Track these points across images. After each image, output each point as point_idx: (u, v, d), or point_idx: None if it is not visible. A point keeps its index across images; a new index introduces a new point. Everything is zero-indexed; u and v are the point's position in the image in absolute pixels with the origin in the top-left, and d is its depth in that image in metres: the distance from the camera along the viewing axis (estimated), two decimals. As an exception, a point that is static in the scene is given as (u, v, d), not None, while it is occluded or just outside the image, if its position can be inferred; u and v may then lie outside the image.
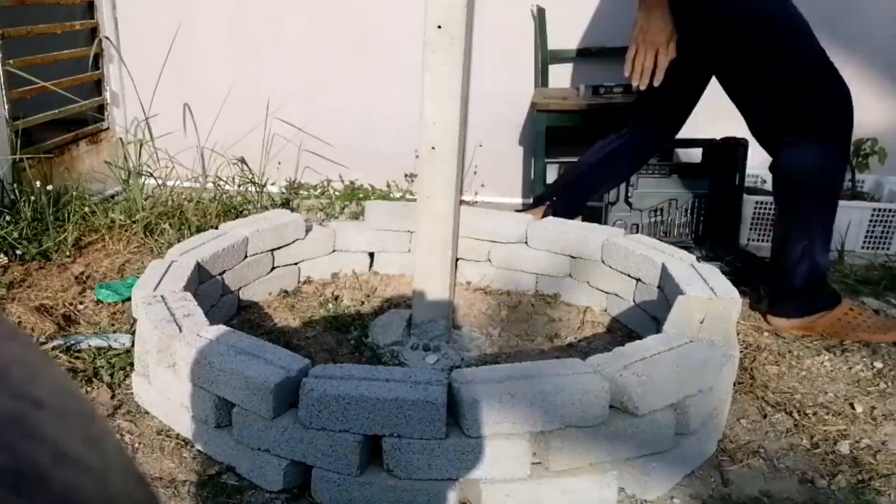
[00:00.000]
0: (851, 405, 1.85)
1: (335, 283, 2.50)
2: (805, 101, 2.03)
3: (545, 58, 3.25)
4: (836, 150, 2.09)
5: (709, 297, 1.78)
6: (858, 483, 1.57)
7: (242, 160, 3.40)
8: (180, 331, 1.64)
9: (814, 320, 2.16)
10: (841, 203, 2.90)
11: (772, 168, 2.19)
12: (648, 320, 2.10)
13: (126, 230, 2.89)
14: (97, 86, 3.51)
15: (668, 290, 1.98)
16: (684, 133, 3.18)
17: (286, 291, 2.42)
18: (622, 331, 2.19)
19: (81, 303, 2.36)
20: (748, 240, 2.95)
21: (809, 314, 2.16)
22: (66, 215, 2.87)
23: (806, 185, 2.10)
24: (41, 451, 0.21)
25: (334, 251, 2.52)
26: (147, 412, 1.79)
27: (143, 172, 3.32)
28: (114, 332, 2.14)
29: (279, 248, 2.37)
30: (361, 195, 3.42)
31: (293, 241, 2.39)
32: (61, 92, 3.11)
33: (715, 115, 3.19)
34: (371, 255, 2.55)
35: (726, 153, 2.81)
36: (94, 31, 3.44)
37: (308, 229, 2.43)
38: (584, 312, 2.30)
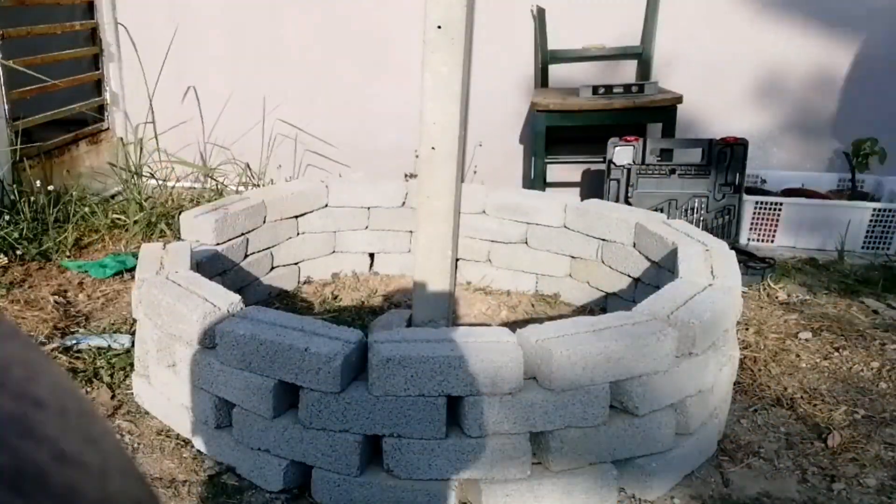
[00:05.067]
0: (852, 405, 1.85)
1: (335, 283, 2.50)
2: None
3: (545, 58, 3.25)
4: None
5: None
6: (859, 483, 1.57)
7: (247, 165, 3.40)
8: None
9: None
10: (841, 203, 2.92)
11: None
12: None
13: (126, 230, 2.89)
14: (97, 86, 3.51)
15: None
16: (684, 132, 3.19)
17: (286, 291, 2.42)
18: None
19: (81, 303, 2.36)
20: (748, 239, 2.95)
21: None
22: (66, 215, 2.87)
23: None
24: (41, 450, 0.21)
25: (334, 251, 2.52)
26: (147, 412, 1.79)
27: (143, 173, 3.32)
28: (114, 332, 2.14)
29: (275, 245, 2.37)
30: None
31: (287, 239, 2.40)
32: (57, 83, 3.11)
33: (715, 115, 3.19)
34: (371, 255, 2.55)
35: (726, 153, 2.81)
36: (94, 32, 3.44)
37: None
38: (583, 313, 2.30)
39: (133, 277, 2.52)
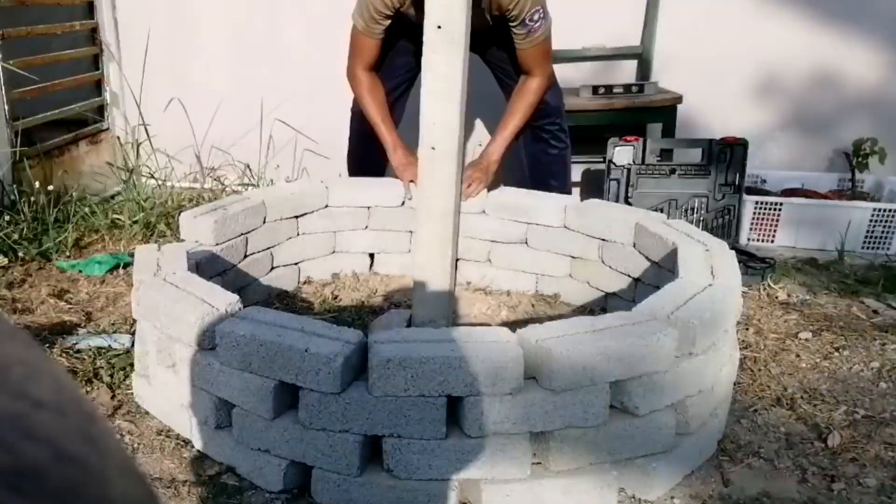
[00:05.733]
0: (852, 405, 1.85)
1: (335, 283, 2.50)
2: None
3: (545, 58, 3.24)
4: None
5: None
6: (859, 483, 1.57)
7: (247, 166, 3.40)
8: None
9: None
10: (841, 203, 2.92)
11: None
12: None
13: (126, 230, 2.89)
14: (97, 86, 3.51)
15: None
16: (684, 132, 3.18)
17: (286, 291, 2.42)
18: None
19: (82, 303, 2.36)
20: (748, 239, 2.95)
21: None
22: (66, 216, 2.87)
23: None
24: (41, 450, 0.21)
25: (334, 251, 2.52)
26: (147, 412, 1.79)
27: (143, 174, 3.32)
28: (114, 332, 2.14)
29: (275, 245, 2.37)
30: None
31: (287, 239, 2.40)
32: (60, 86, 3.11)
33: (715, 115, 3.19)
34: (371, 255, 2.55)
35: (726, 153, 2.81)
36: (93, 32, 3.44)
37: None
38: (583, 313, 2.30)
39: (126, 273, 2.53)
